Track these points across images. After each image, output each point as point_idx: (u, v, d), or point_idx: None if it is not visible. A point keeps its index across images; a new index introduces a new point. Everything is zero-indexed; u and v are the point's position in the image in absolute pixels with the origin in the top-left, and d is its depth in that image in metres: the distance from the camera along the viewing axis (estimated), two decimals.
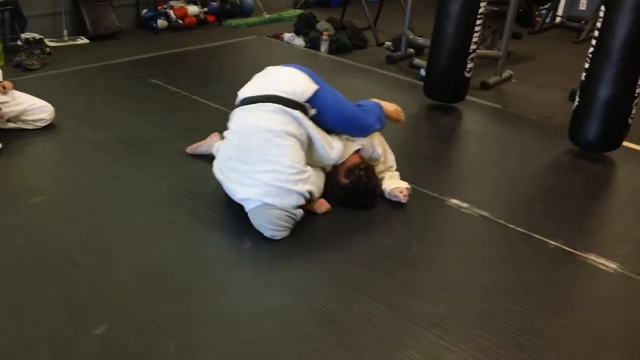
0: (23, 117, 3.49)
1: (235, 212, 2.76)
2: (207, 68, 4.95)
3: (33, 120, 3.52)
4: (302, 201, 2.66)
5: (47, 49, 5.11)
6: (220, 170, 2.81)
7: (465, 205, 3.09)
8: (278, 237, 2.61)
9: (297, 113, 2.73)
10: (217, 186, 2.86)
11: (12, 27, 5.17)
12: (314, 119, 2.82)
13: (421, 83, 4.76)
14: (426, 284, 2.48)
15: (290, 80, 2.83)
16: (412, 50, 5.94)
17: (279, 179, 2.59)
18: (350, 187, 2.91)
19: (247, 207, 2.66)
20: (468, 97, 4.51)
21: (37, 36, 5.21)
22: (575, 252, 2.77)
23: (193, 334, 2.08)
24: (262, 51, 5.91)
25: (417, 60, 5.60)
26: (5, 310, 2.16)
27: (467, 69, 4.27)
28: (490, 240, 2.88)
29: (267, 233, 2.61)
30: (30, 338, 2.03)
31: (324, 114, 2.86)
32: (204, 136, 3.37)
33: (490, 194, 3.29)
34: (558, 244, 2.81)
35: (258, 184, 2.61)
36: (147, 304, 2.22)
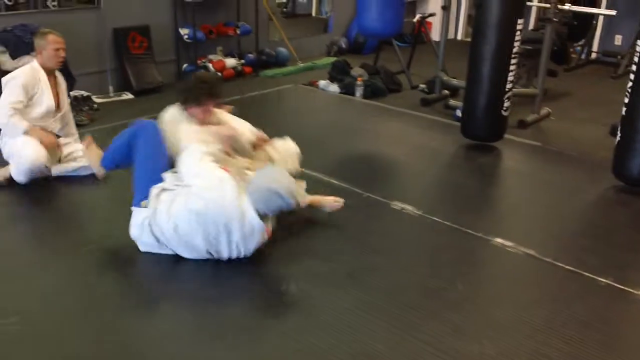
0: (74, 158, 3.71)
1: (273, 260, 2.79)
2: (246, 116, 5.04)
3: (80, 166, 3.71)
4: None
5: (95, 105, 5.34)
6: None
7: (510, 244, 3.06)
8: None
9: None
10: None
11: None
12: None
13: (457, 123, 4.79)
14: (474, 324, 2.45)
15: None
16: (446, 91, 5.99)
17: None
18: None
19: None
20: (506, 136, 4.51)
21: (85, 93, 5.45)
22: (627, 289, 2.70)
23: None
24: (298, 98, 6.04)
25: (452, 101, 5.63)
26: None
27: (504, 108, 4.28)
28: (538, 279, 2.84)
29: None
30: None
31: None
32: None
33: (535, 232, 3.26)
34: (608, 281, 2.74)
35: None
36: None
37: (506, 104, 4.28)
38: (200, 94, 3.03)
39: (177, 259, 2.79)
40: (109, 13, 5.78)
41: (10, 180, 3.58)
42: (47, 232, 3.11)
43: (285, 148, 3.28)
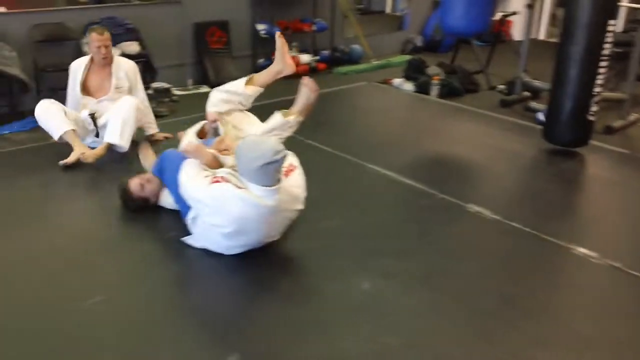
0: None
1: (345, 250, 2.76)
2: (319, 113, 5.03)
3: None
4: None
5: (174, 97, 5.48)
6: None
7: (594, 254, 2.90)
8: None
9: None
10: None
11: (144, 77, 5.58)
12: None
13: (539, 127, 4.61)
14: (554, 335, 2.34)
15: None
16: (527, 93, 5.79)
17: None
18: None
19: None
20: (592, 142, 4.30)
21: (165, 85, 5.61)
22: None
23: None
24: (371, 96, 5.98)
25: (533, 104, 5.44)
26: None
27: (591, 112, 4.08)
28: (624, 293, 2.68)
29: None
30: None
31: None
32: (325, 178, 3.36)
33: (622, 243, 3.09)
34: None
35: None
36: None
37: (594, 108, 4.08)
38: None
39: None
40: (190, 8, 5.92)
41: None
42: (133, 218, 3.19)
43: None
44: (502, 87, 6.12)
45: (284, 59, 3.21)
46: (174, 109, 5.25)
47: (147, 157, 3.44)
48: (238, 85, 3.23)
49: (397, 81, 6.29)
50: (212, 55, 6.09)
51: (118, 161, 3.93)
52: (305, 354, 2.20)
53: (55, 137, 3.88)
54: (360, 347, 2.23)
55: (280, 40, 3.19)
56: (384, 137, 4.61)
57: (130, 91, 4.15)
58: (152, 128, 4.29)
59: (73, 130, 3.87)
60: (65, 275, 2.68)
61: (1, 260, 2.80)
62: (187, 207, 2.83)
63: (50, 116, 3.88)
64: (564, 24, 4.08)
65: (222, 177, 2.59)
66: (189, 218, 2.83)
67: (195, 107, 5.31)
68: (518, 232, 3.12)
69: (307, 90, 3.01)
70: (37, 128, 3.97)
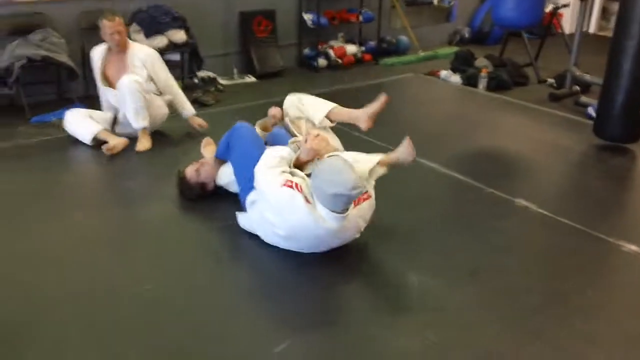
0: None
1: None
2: (364, 105, 5.06)
3: None
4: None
5: (220, 87, 5.55)
6: None
7: None
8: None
9: None
10: None
11: (190, 66, 5.67)
12: None
13: (589, 122, 4.51)
14: (603, 334, 2.31)
15: None
16: (577, 87, 5.65)
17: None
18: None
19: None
20: None
21: (211, 75, 5.67)
22: None
23: None
24: (418, 88, 5.93)
25: (583, 98, 5.31)
26: None
27: None
28: None
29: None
30: None
31: None
32: None
33: None
34: None
35: None
36: None
37: None
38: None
39: None
40: None
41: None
42: (183, 208, 3.25)
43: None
44: (551, 80, 5.98)
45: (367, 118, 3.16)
46: (220, 98, 5.31)
47: (208, 147, 3.46)
48: (316, 116, 3.19)
49: (444, 73, 6.21)
50: (257, 44, 6.11)
51: (169, 147, 4.07)
52: (350, 350, 2.22)
53: (88, 141, 3.96)
54: (407, 343, 2.23)
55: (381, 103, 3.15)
56: (431, 129, 4.57)
57: (151, 80, 4.09)
58: (186, 110, 4.27)
59: (104, 129, 3.99)
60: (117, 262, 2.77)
61: (56, 244, 2.90)
62: (250, 188, 2.80)
63: (78, 124, 4.00)
64: (618, 18, 3.97)
65: (296, 185, 2.54)
66: (248, 200, 2.82)
67: (240, 97, 5.38)
68: (566, 227, 3.07)
69: (406, 152, 2.80)
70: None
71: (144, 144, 3.98)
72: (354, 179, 2.36)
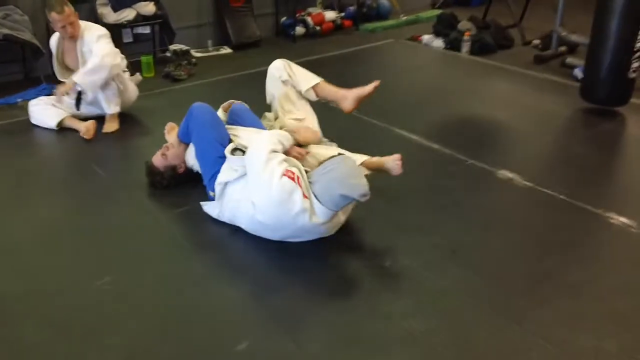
0: None
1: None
2: (344, 74, 4.87)
3: None
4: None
5: (193, 60, 5.33)
6: None
7: (633, 223, 2.72)
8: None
9: None
10: None
11: (161, 39, 5.45)
12: None
13: (576, 84, 4.36)
14: (591, 314, 2.20)
15: None
16: (563, 48, 5.48)
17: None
18: None
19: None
20: (633, 100, 4.04)
21: (184, 47, 5.46)
22: None
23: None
24: (400, 54, 5.76)
25: (570, 59, 5.14)
26: None
27: (632, 69, 3.83)
28: None
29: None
30: None
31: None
32: (348, 143, 3.22)
33: None
34: None
35: None
36: None
37: (635, 64, 3.82)
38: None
39: None
40: None
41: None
42: (149, 195, 3.10)
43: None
44: (537, 42, 5.81)
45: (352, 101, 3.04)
46: (193, 72, 5.10)
47: (172, 132, 3.30)
48: (303, 85, 3.09)
49: (426, 38, 6.02)
50: (232, 14, 5.89)
51: (135, 127, 3.94)
52: (322, 337, 2.10)
53: (54, 126, 3.86)
54: (383, 330, 2.12)
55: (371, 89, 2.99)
56: (412, 98, 4.42)
57: None
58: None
59: (69, 116, 3.89)
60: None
61: (13, 235, 2.77)
62: (216, 170, 2.68)
63: (41, 112, 3.91)
64: None
65: (298, 178, 2.41)
66: (218, 182, 2.67)
67: (215, 70, 5.18)
68: (552, 200, 2.95)
69: (393, 165, 2.73)
70: (52, 94, 3.88)
71: (112, 125, 3.90)
72: (366, 186, 2.30)
